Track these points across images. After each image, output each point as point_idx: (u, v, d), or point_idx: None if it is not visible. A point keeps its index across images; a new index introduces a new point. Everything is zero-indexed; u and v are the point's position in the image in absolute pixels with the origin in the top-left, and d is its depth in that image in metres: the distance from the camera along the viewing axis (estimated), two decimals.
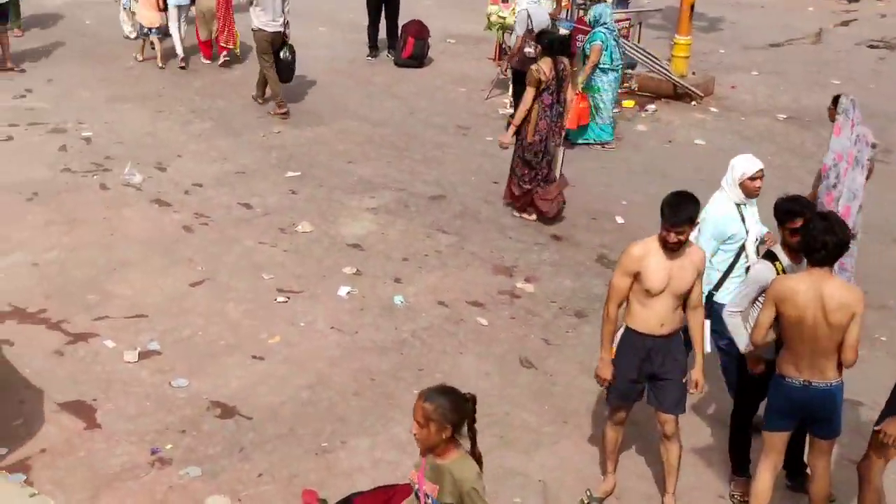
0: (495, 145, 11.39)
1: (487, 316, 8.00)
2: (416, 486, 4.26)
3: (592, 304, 8.14)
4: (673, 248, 5.48)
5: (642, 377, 5.78)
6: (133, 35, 14.81)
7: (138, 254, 8.71)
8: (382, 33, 15.04)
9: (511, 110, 11.42)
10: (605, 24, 11.75)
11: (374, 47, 15.01)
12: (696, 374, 5.80)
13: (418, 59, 14.65)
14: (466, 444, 4.21)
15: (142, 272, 8.40)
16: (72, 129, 11.48)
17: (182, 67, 14.04)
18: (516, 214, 9.88)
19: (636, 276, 5.58)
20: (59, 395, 6.67)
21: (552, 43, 9.69)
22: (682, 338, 5.83)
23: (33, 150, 10.82)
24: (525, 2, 12.16)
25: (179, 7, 14.07)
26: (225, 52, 14.14)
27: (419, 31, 14.66)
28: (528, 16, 11.86)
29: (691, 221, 5.47)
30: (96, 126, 11.62)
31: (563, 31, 13.35)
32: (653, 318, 5.64)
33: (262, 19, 12.16)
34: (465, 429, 4.17)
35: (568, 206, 10.02)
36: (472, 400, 4.16)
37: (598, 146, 11.88)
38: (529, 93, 9.52)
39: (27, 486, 5.77)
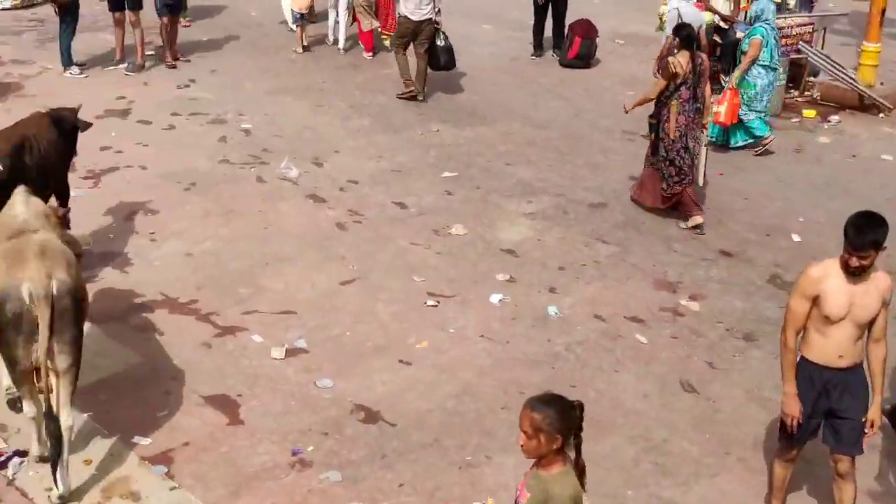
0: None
1: (647, 333, 7.71)
2: (517, 495, 4.08)
3: (763, 326, 7.75)
4: (855, 273, 5.12)
5: (818, 412, 5.41)
6: (295, 27, 15.00)
7: (292, 249, 8.78)
8: (548, 32, 14.84)
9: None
10: (766, 20, 11.46)
11: (538, 46, 14.83)
12: (873, 413, 5.38)
13: (585, 60, 14.40)
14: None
15: (294, 267, 8.46)
16: (232, 121, 11.72)
17: (343, 50, 14.57)
18: (683, 226, 9.57)
19: (815, 301, 5.22)
20: (205, 388, 6.73)
21: (690, 36, 9.53)
22: (864, 372, 5.44)
23: (194, 141, 11.09)
24: (676, 0, 11.84)
25: None
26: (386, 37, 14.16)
27: (587, 30, 14.40)
28: (679, 15, 11.52)
29: (877, 245, 5.08)
30: (256, 118, 11.84)
31: (738, 34, 12.94)
32: (831, 348, 5.27)
33: (409, 6, 12.32)
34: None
35: (740, 220, 9.63)
36: (579, 407, 3.99)
37: (759, 146, 11.55)
38: (660, 84, 9.55)
39: (168, 479, 5.82)
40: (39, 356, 5.40)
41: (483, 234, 9.26)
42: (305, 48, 14.65)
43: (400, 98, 12.73)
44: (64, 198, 8.07)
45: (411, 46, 12.58)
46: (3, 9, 15.79)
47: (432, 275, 8.44)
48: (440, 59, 12.64)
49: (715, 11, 12.85)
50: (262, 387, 6.80)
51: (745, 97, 11.48)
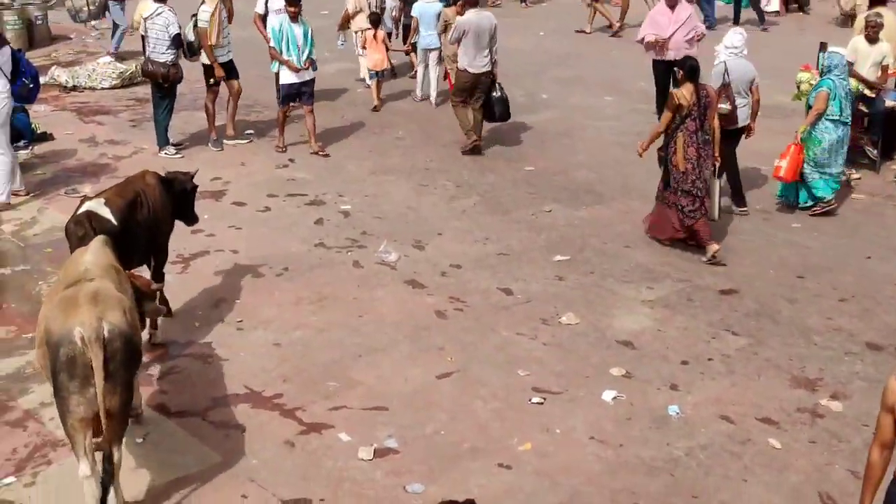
0: (804, 232, 11.16)
1: (781, 437, 7.34)
2: None
3: None
4: None
5: None
6: (370, 83, 16.07)
7: (386, 339, 8.72)
8: None
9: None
10: (837, 73, 11.51)
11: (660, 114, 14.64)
12: None
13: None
14: None
15: (388, 359, 8.38)
16: (331, 202, 11.83)
17: (435, 104, 15.60)
18: (703, 259, 10.29)
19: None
20: (285, 492, 6.63)
21: (693, 69, 10.32)
22: None
23: (289, 223, 11.22)
24: (724, 53, 11.70)
25: (428, 50, 15.42)
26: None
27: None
28: (726, 69, 11.40)
29: None
30: (356, 199, 11.94)
31: (889, 104, 12.58)
32: None
33: (466, 59, 13.20)
34: None
35: (890, 308, 9.16)
36: None
37: (817, 208, 11.62)
38: (666, 116, 10.46)
39: None
40: (98, 399, 5.72)
41: (596, 323, 9.05)
42: (381, 102, 15.81)
43: (465, 153, 13.50)
44: (161, 262, 8.78)
45: None
46: (103, 88, 16.41)
47: (538, 368, 8.25)
48: (495, 110, 13.51)
49: (861, 79, 12.50)
50: (346, 491, 6.66)
51: (810, 153, 11.48)
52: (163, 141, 13.32)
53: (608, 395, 7.87)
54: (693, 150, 10.27)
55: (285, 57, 13.09)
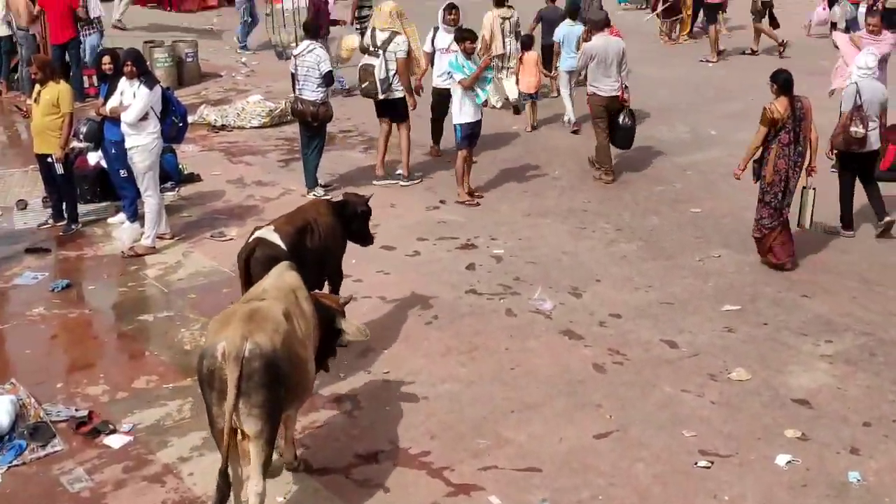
0: None
1: None
2: None
3: None
4: None
5: None
6: (499, 104, 17.35)
7: (540, 393, 8.67)
8: None
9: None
10: None
11: None
12: None
13: None
14: None
15: (541, 416, 8.33)
16: (483, 246, 11.88)
17: (575, 132, 16.29)
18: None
19: None
20: None
21: (788, 81, 10.71)
22: None
23: (439, 268, 11.30)
24: (856, 74, 11.62)
25: (570, 72, 16.30)
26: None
27: None
28: (858, 91, 11.42)
29: None
30: (509, 243, 11.96)
31: None
32: None
33: (596, 83, 13.98)
34: None
35: None
36: None
37: None
38: (761, 131, 10.83)
39: None
40: (226, 414, 6.19)
41: (769, 379, 8.84)
42: (535, 127, 16.70)
43: (596, 179, 14.20)
44: (336, 284, 9.52)
45: None
46: (252, 127, 16.88)
47: (705, 429, 8.08)
48: (618, 139, 14.28)
49: None
50: None
51: None
52: (311, 182, 13.60)
53: (782, 460, 7.66)
54: (783, 163, 10.77)
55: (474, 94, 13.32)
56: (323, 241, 9.00)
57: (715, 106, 17.86)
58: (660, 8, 23.47)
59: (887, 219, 11.70)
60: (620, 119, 14.08)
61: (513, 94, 17.17)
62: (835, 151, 11.97)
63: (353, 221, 9.57)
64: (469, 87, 13.01)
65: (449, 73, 13.59)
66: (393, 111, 14.02)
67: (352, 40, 14.74)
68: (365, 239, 9.86)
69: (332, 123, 13.95)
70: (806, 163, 10.96)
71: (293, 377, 6.55)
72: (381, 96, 13.77)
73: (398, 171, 14.30)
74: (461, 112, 13.24)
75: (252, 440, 6.32)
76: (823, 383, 8.78)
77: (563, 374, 8.98)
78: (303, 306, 6.98)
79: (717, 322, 9.92)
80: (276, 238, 8.49)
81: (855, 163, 11.81)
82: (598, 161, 14.27)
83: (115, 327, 10.21)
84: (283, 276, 7.11)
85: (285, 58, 19.66)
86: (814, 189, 11.26)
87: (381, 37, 13.68)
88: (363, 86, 13.84)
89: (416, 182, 14.13)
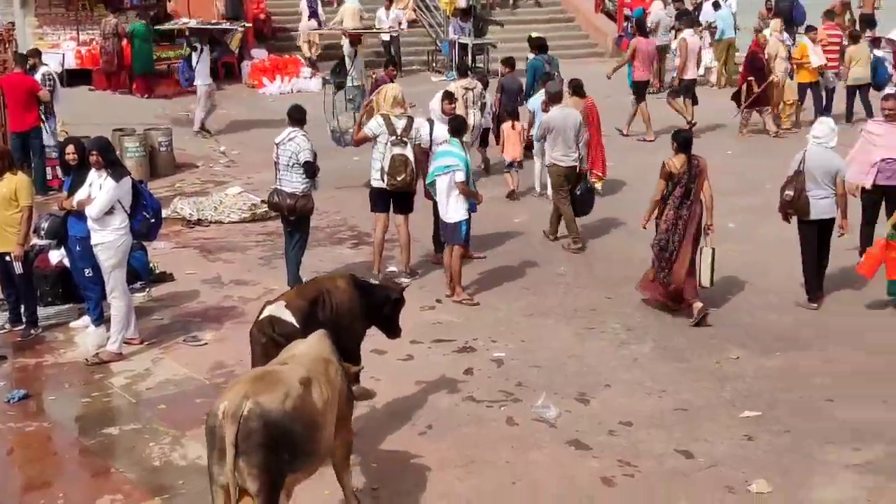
0: None
1: None
2: None
3: None
4: None
5: None
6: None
7: None
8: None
9: None
10: None
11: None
12: None
13: None
14: None
15: None
16: (481, 349, 11.97)
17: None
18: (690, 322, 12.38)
19: None
20: None
21: (686, 140, 12.68)
22: None
23: (434, 373, 11.34)
24: (810, 142, 12.84)
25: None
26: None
27: None
28: (803, 157, 12.75)
29: None
30: (510, 345, 12.06)
31: None
32: None
33: (555, 154, 15.39)
34: None
35: None
36: None
37: None
38: (660, 184, 12.66)
39: None
40: (227, 473, 6.85)
41: (794, 492, 8.90)
42: (514, 193, 18.31)
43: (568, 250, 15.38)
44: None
45: None
46: (231, 222, 16.99)
47: None
48: (577, 206, 15.53)
49: None
50: None
51: None
52: (293, 279, 13.65)
53: None
54: (672, 214, 12.52)
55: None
56: (334, 315, 9.39)
57: (736, 197, 17.85)
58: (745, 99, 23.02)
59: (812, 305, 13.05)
60: (578, 190, 15.51)
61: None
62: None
63: (384, 307, 10.04)
64: (467, 192, 13.38)
65: (448, 167, 13.44)
66: (404, 202, 14.19)
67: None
68: (393, 329, 10.25)
69: (320, 216, 14.09)
70: (704, 222, 12.60)
71: (302, 442, 7.15)
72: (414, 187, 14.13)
73: (390, 268, 14.40)
74: (459, 207, 13.41)
75: (255, 497, 6.95)
76: (852, 496, 8.83)
77: (569, 490, 9.00)
78: (330, 375, 7.71)
79: (737, 430, 9.97)
80: (287, 315, 9.09)
81: (810, 230, 12.88)
82: (568, 230, 15.60)
83: (76, 442, 10.20)
84: (315, 345, 7.96)
85: (343, 144, 19.61)
86: (713, 249, 12.66)
87: (399, 123, 13.93)
88: (399, 178, 13.85)
89: (415, 279, 14.25)
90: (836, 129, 13.06)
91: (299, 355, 7.76)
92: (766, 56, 22.84)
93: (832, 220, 12.86)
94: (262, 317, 9.18)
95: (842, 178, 12.70)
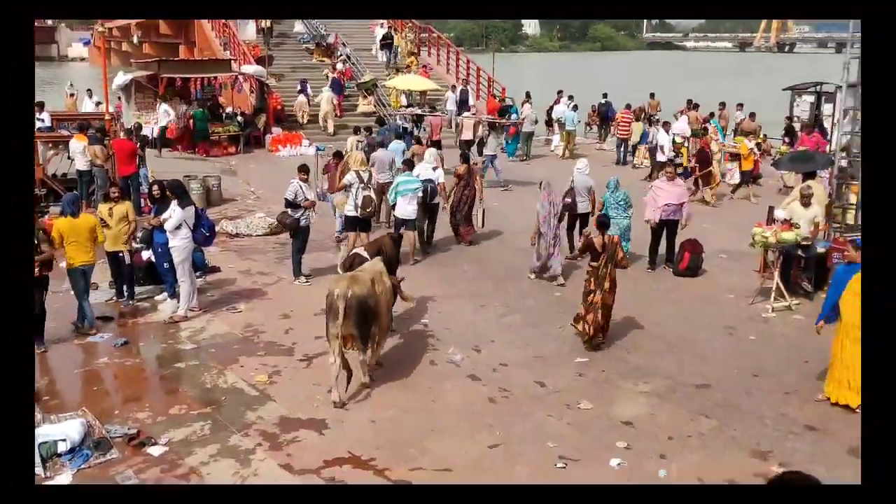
0: (759, 343, 10.92)
1: None
2: None
3: None
4: None
5: None
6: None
7: (452, 419, 8.71)
8: (662, 248, 14.58)
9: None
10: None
11: (653, 262, 14.52)
12: None
13: (693, 271, 14.06)
14: None
15: (452, 434, 8.36)
16: (415, 318, 11.82)
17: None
18: None
19: None
20: None
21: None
22: None
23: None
24: (574, 171, 13.76)
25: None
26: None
27: (694, 246, 14.15)
28: (573, 179, 13.97)
29: None
30: (433, 315, 11.93)
31: (819, 250, 12.43)
32: None
33: (376, 174, 14.96)
34: None
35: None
36: None
37: None
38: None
39: None
40: (338, 328, 8.58)
41: (606, 410, 8.97)
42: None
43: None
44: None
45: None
46: (257, 235, 16.81)
47: (563, 442, 8.18)
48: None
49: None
50: None
51: None
52: (296, 272, 13.59)
53: (614, 462, 7.78)
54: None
55: None
56: (386, 253, 10.95)
57: None
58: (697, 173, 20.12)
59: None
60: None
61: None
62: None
63: (399, 249, 11.70)
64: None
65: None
66: (367, 225, 13.97)
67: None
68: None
69: (312, 235, 13.90)
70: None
71: (374, 312, 8.82)
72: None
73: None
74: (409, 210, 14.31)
75: (354, 340, 8.74)
76: (641, 412, 8.92)
77: (467, 406, 9.03)
78: (384, 279, 9.32)
79: (572, 370, 10.02)
80: (363, 252, 10.86)
81: (576, 218, 14.45)
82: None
83: (157, 372, 10.05)
84: (376, 264, 9.67)
85: (324, 199, 17.07)
86: (482, 207, 15.18)
87: (365, 175, 13.72)
88: (367, 210, 13.67)
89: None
90: (587, 164, 14.53)
91: (368, 269, 9.37)
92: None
93: (588, 214, 14.24)
94: (351, 252, 11.42)
95: (593, 192, 14.28)
